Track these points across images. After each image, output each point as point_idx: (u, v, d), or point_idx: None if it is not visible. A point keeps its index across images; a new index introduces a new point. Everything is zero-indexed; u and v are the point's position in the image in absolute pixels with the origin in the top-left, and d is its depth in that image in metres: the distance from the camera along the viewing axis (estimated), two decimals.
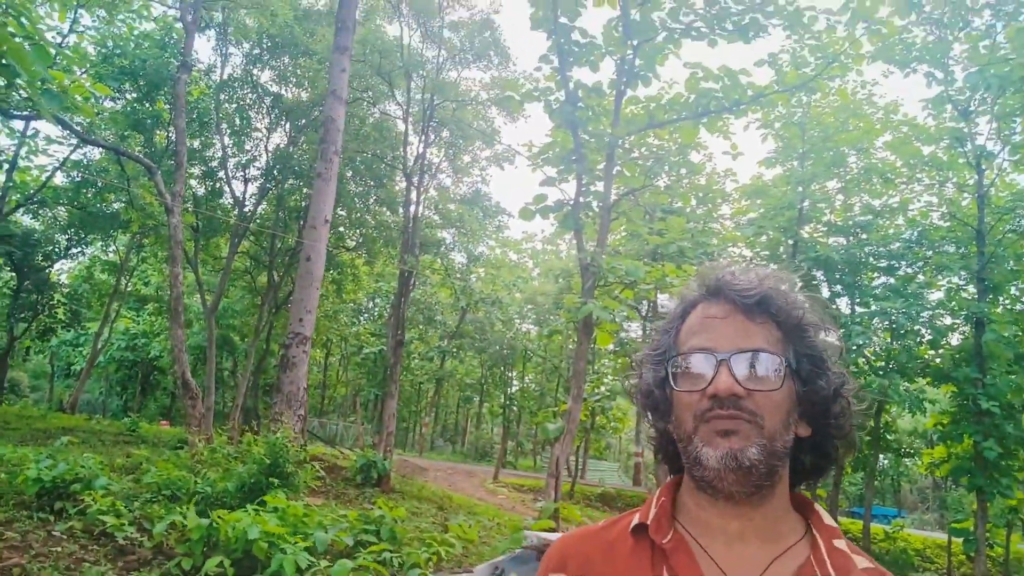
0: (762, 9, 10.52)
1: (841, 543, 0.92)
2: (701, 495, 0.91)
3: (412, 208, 19.19)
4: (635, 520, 0.97)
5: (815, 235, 19.80)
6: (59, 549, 6.01)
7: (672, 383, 0.93)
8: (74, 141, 19.77)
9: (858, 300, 18.51)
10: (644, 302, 21.69)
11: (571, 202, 12.90)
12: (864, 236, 18.68)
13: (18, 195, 21.59)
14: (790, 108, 18.02)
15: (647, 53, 12.76)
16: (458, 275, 23.31)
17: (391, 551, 6.88)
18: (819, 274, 19.13)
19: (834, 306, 18.93)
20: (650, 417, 1.01)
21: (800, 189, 18.86)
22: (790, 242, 19.07)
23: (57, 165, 21.46)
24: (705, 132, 15.67)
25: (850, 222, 19.06)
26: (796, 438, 0.92)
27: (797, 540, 0.91)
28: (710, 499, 0.90)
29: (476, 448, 36.73)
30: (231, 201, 22.82)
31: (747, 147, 50.56)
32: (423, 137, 19.57)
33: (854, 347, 16.64)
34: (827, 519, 0.94)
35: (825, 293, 19.43)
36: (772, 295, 0.93)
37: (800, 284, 1.00)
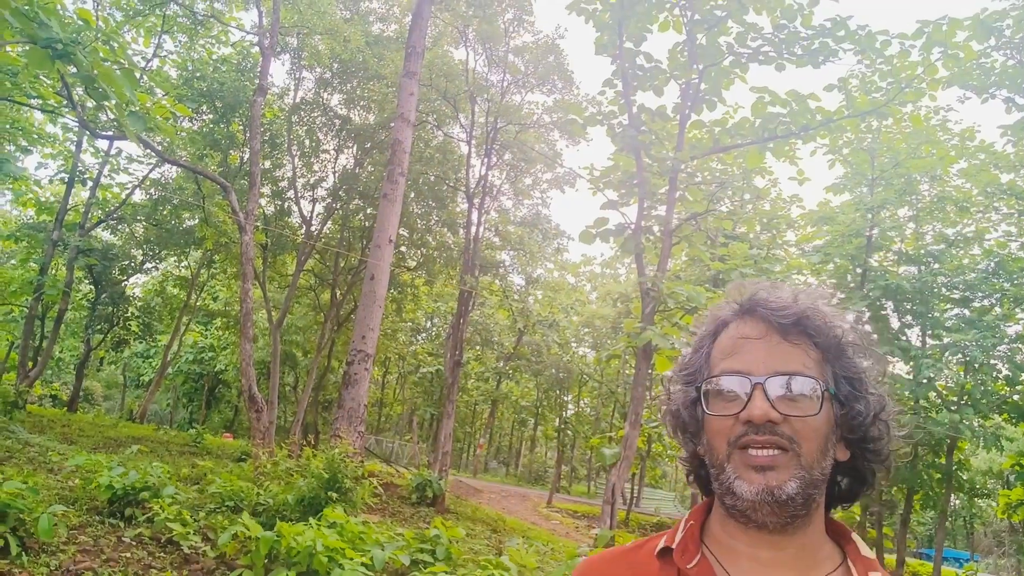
0: (833, 34, 10.34)
1: (877, 575, 0.88)
2: (731, 522, 0.88)
3: (473, 229, 19.39)
4: (661, 543, 0.94)
5: (884, 264, 19.19)
6: (128, 555, 6.20)
7: (704, 406, 0.90)
8: (154, 160, 20.68)
9: (930, 332, 17.84)
10: None
11: (632, 226, 12.84)
12: (937, 266, 18.02)
13: (99, 211, 22.66)
14: (860, 133, 17.59)
15: (713, 77, 12.67)
16: (516, 297, 23.38)
17: (447, 572, 6.88)
18: (888, 304, 18.51)
19: (904, 338, 18.26)
20: (680, 439, 0.98)
21: (869, 216, 18.34)
22: (858, 270, 18.52)
23: (137, 183, 22.47)
24: (771, 157, 15.41)
25: (922, 251, 18.41)
26: (835, 462, 0.89)
27: (831, 571, 0.87)
28: (741, 527, 0.87)
29: (530, 471, 36.52)
30: (299, 220, 23.48)
31: (814, 173, 49.53)
32: (485, 159, 19.80)
33: (924, 380, 16.01)
34: (864, 549, 0.90)
35: (895, 324, 18.79)
36: (809, 314, 0.89)
37: (839, 304, 0.96)
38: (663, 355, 11.28)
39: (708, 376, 0.90)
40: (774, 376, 0.85)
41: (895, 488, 17.61)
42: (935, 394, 17.22)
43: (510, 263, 23.93)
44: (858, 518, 18.82)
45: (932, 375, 15.87)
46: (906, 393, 16.26)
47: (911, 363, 16.55)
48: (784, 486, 0.82)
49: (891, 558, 18.09)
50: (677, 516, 25.92)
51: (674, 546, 0.92)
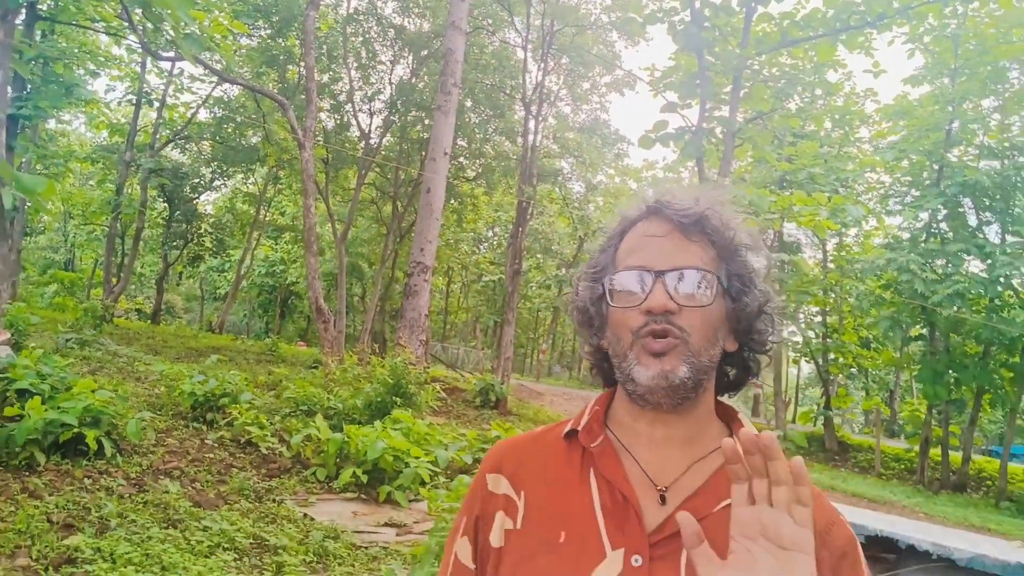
0: None
1: None
2: (631, 405, 0.96)
3: (530, 137, 19.15)
4: (568, 427, 1.02)
5: (964, 159, 18.18)
6: (211, 455, 6.74)
7: (609, 299, 0.95)
8: (215, 79, 20.92)
9: (1011, 229, 17.03)
10: (770, 232, 20.86)
11: (693, 128, 12.49)
12: (1022, 159, 17.00)
13: (167, 131, 23.25)
14: (943, 20, 16.35)
15: None
16: (576, 204, 23.22)
17: None
18: (967, 201, 17.67)
19: (981, 235, 17.51)
20: (585, 333, 1.04)
21: (950, 108, 17.29)
22: (935, 166, 17.64)
23: (200, 102, 22.87)
24: (844, 49, 14.56)
25: (1006, 143, 17.34)
26: (724, 352, 0.96)
27: (718, 447, 0.94)
28: (639, 409, 0.95)
29: (592, 375, 37.11)
30: (358, 134, 23.60)
31: (891, 64, 46.42)
32: (542, 65, 19.32)
33: (1000, 278, 15.44)
34: (748, 427, 0.95)
35: (972, 221, 17.99)
36: (709, 215, 0.95)
37: (734, 204, 1.00)
38: None
39: (613, 272, 0.96)
40: (672, 270, 0.91)
41: (964, 387, 17.31)
42: (1010, 292, 16.62)
43: (569, 170, 23.66)
44: (923, 416, 18.68)
45: (1009, 272, 15.29)
46: (980, 291, 15.76)
47: (987, 261, 15.95)
48: (676, 370, 0.89)
49: (957, 455, 17.98)
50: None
51: (580, 428, 1.00)
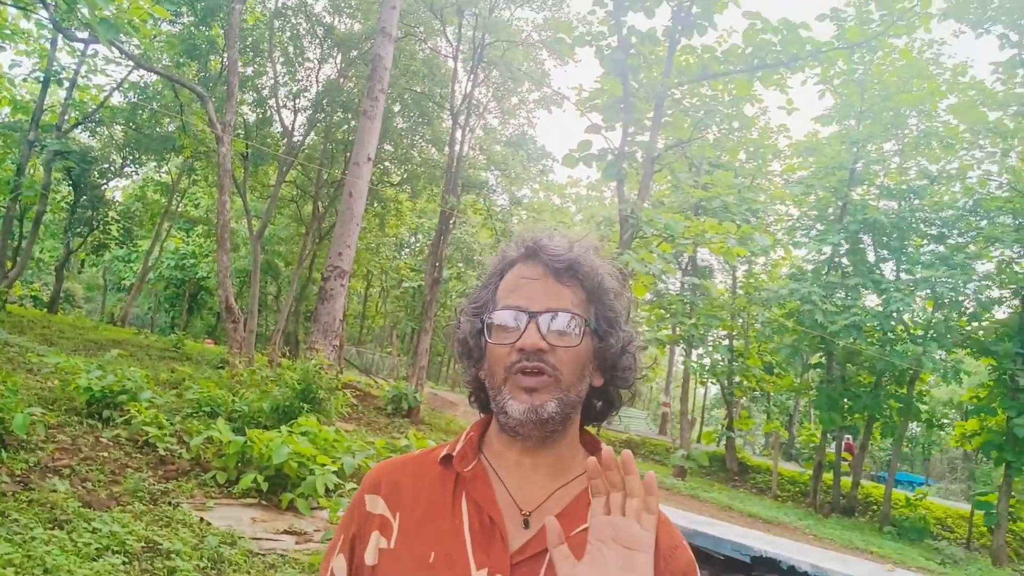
0: None
1: None
2: (504, 435, 1.04)
3: (457, 147, 19.22)
4: (444, 452, 1.10)
5: (866, 197, 19.33)
6: (105, 454, 6.47)
7: (487, 335, 1.03)
8: (131, 64, 20.10)
9: (904, 267, 18.17)
10: (684, 256, 21.55)
11: (616, 151, 12.82)
12: (917, 201, 18.20)
13: (77, 113, 22.16)
14: (851, 65, 17.40)
15: (706, 1, 12.45)
16: (499, 216, 23.40)
17: None
18: (867, 238, 18.76)
19: (878, 271, 18.60)
20: (465, 364, 1.12)
21: (855, 149, 18.37)
22: (840, 203, 18.68)
23: (115, 86, 21.91)
24: (760, 85, 15.28)
25: (904, 186, 18.55)
26: (590, 387, 1.06)
27: (580, 474, 1.05)
28: (511, 439, 1.03)
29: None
30: (280, 130, 23.10)
31: (804, 103, 48.80)
32: (472, 76, 19.45)
33: (893, 313, 16.43)
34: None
35: (871, 258, 19.10)
36: (581, 260, 1.04)
37: (604, 249, 1.11)
38: (640, 281, 11.51)
39: (492, 310, 1.05)
40: (545, 312, 1.00)
41: (857, 414, 18.29)
42: (902, 327, 17.70)
43: (494, 182, 23.82)
44: (817, 442, 19.64)
45: (901, 308, 16.29)
46: (874, 324, 16.72)
47: (882, 296, 16.95)
48: (546, 405, 0.98)
49: (848, 480, 18.96)
50: (646, 435, 26.83)
51: (455, 454, 1.08)
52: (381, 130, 14.13)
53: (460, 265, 27.67)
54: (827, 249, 18.89)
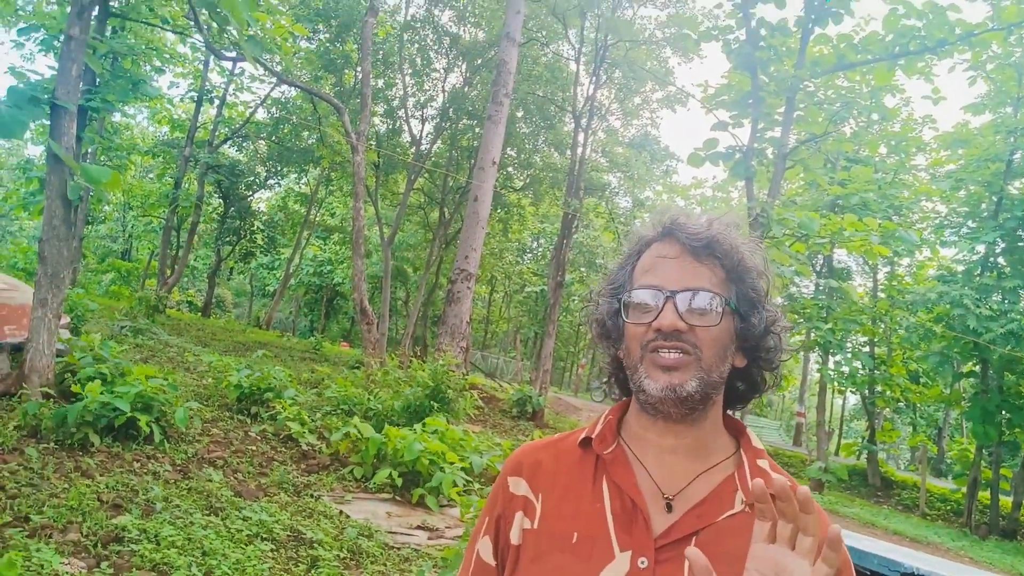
0: None
1: (764, 463, 1.01)
2: (643, 415, 1.02)
3: (579, 150, 19.20)
4: (583, 435, 1.09)
5: None
6: (254, 448, 6.90)
7: (624, 315, 1.02)
8: (273, 80, 21.47)
9: None
10: (820, 256, 20.52)
11: (744, 148, 12.40)
12: None
13: (226, 129, 23.91)
14: (1007, 48, 15.96)
15: None
16: (622, 219, 23.16)
17: None
18: None
19: None
20: (603, 344, 1.10)
21: (1012, 139, 16.83)
22: (994, 198, 17.17)
23: (259, 102, 23.47)
24: (902, 74, 14.33)
25: None
26: (734, 368, 1.02)
27: (725, 458, 1.02)
28: (651, 419, 1.01)
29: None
30: (409, 140, 23.95)
31: (952, 91, 45.32)
32: (594, 78, 19.38)
33: None
34: (755, 442, 1.04)
35: None
36: (719, 239, 1.00)
37: (753, 231, 1.06)
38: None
39: (629, 290, 1.03)
40: (683, 291, 0.97)
41: (1017, 429, 16.74)
42: None
43: (617, 185, 23.63)
44: (972, 457, 18.10)
45: None
46: None
47: None
48: (685, 385, 0.95)
49: (1008, 500, 17.36)
50: (779, 445, 25.69)
51: (594, 436, 1.07)
52: (504, 135, 14.35)
53: (583, 269, 27.61)
54: (980, 248, 17.39)
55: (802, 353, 20.17)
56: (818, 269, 21.48)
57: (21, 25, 16.36)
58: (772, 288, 1.05)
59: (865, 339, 21.19)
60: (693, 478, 1.00)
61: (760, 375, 1.07)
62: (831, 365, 20.78)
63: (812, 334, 18.23)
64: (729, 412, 1.09)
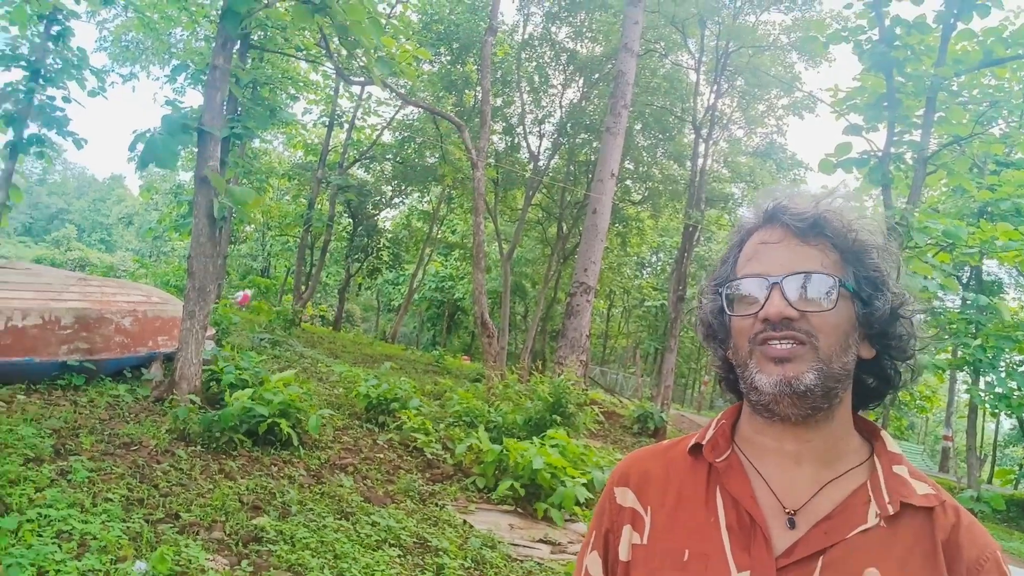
0: None
1: (902, 469, 0.89)
2: (758, 418, 0.92)
3: (700, 161, 18.77)
4: (693, 441, 1.00)
5: None
6: (381, 456, 7.11)
7: (727, 308, 0.94)
8: (399, 103, 22.34)
9: None
10: (967, 268, 19.01)
11: (879, 153, 11.73)
12: None
13: (355, 151, 25.07)
14: None
15: None
16: None
17: None
18: None
19: None
20: (710, 346, 1.02)
21: None
22: None
23: (385, 124, 24.48)
24: None
25: None
26: (860, 360, 0.91)
27: (856, 465, 0.90)
28: (767, 422, 0.91)
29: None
30: (527, 155, 24.24)
31: None
32: (715, 87, 18.92)
33: None
34: (891, 445, 0.91)
35: None
36: (828, 217, 0.91)
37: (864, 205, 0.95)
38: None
39: (731, 281, 0.95)
40: (790, 276, 0.88)
41: None
42: None
43: (740, 196, 22.89)
44: None
45: None
46: None
47: None
48: (802, 377, 0.86)
49: None
50: (924, 470, 23.88)
51: (704, 442, 0.98)
52: (623, 148, 14.22)
53: (704, 283, 26.88)
54: None
55: (948, 372, 18.69)
56: (964, 282, 19.91)
57: (175, 63, 17.87)
58: (898, 269, 0.94)
59: (1022, 358, 19.39)
60: (818, 488, 0.90)
61: (892, 367, 0.95)
62: (982, 386, 19.14)
63: (959, 351, 16.86)
64: (860, 413, 0.98)
